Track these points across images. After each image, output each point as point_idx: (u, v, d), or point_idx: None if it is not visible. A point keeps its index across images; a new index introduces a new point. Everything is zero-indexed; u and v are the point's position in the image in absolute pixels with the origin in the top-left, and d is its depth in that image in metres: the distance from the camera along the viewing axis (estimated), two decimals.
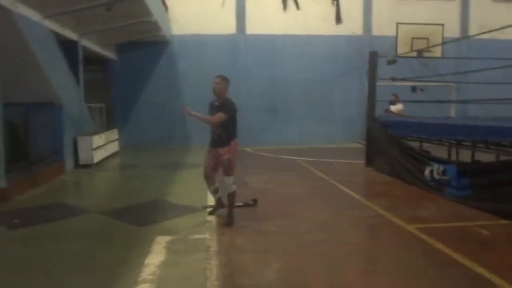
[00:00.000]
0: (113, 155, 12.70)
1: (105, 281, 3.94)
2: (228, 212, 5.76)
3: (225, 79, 5.67)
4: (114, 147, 13.12)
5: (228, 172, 5.66)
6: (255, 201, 6.74)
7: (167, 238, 5.09)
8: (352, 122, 16.02)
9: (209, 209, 6.18)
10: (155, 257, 4.47)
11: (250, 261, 4.42)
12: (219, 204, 6.07)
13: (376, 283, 3.91)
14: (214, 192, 5.98)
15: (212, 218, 5.90)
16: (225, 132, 5.60)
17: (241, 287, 3.82)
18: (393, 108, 12.20)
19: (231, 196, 5.75)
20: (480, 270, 4.07)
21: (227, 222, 5.66)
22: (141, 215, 6.35)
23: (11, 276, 4.10)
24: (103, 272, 4.15)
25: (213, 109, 5.64)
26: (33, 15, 8.55)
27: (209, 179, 5.85)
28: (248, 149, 13.68)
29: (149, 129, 15.25)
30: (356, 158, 11.70)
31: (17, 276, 4.12)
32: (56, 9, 9.09)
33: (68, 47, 10.68)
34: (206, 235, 5.23)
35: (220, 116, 5.51)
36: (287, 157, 12.30)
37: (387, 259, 4.56)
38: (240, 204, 6.46)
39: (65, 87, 10.13)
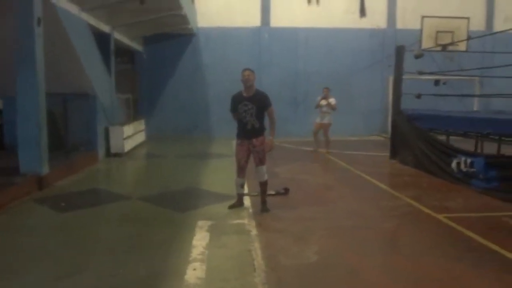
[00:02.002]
0: (140, 145, 13.07)
1: (160, 259, 4.24)
2: (262, 200, 6.04)
3: (253, 71, 5.90)
4: (141, 137, 13.49)
5: (263, 161, 5.92)
6: (286, 190, 7.00)
7: (208, 222, 5.39)
8: (374, 115, 16.18)
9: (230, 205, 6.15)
10: (201, 239, 4.78)
11: (290, 244, 4.69)
12: (240, 200, 6.15)
13: (410, 265, 4.14)
14: (241, 186, 6.11)
15: (248, 205, 6.17)
16: (259, 123, 5.85)
17: (286, 266, 4.09)
18: (326, 101, 11.58)
19: (264, 184, 6.01)
20: None
21: (263, 209, 5.93)
22: (179, 202, 6.66)
23: (75, 255, 4.43)
24: (155, 252, 4.46)
25: (244, 100, 5.79)
26: (72, 8, 8.89)
27: (241, 171, 6.00)
28: None
29: (174, 120, 15.58)
30: (379, 150, 11.89)
31: (80, 254, 4.45)
32: (93, 3, 9.41)
33: (100, 39, 11.00)
34: (245, 221, 5.51)
35: (272, 111, 5.88)
36: (310, 148, 12.48)
37: (420, 244, 4.78)
38: (273, 192, 6.73)
39: (99, 78, 10.48)
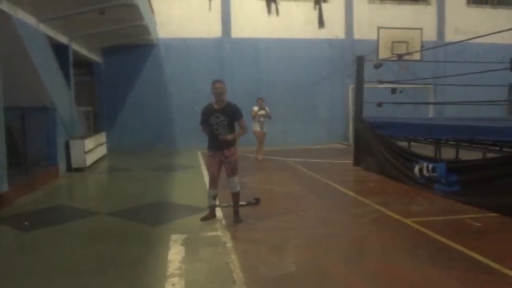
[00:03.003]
0: (102, 158, 12.73)
1: (136, 277, 4.14)
2: (235, 210, 6.02)
3: (223, 82, 5.91)
4: (103, 150, 13.14)
5: (234, 172, 5.91)
6: (257, 199, 7.00)
7: (182, 236, 5.30)
8: (335, 123, 16.53)
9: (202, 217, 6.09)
10: (176, 254, 4.70)
11: (267, 254, 4.69)
12: (212, 212, 6.11)
13: (386, 270, 4.25)
14: (214, 198, 6.07)
15: (220, 217, 6.13)
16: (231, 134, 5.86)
17: (266, 277, 4.09)
18: (263, 110, 12.00)
19: (237, 195, 6.01)
20: (478, 256, 4.49)
21: (236, 220, 5.91)
22: (149, 216, 6.53)
23: (43, 278, 4.23)
24: (131, 269, 4.35)
25: (215, 112, 5.79)
26: (30, 20, 8.59)
27: (214, 182, 5.97)
28: None
29: (136, 132, 15.29)
30: (342, 158, 12.14)
31: (50, 276, 4.27)
32: (51, 14, 9.14)
33: (57, 51, 10.66)
34: (219, 232, 5.47)
35: (244, 122, 5.93)
36: (275, 158, 12.60)
37: (393, 249, 4.91)
38: (244, 203, 6.69)
39: (58, 90, 10.16)
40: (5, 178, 7.16)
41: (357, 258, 4.78)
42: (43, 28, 9.39)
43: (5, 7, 7.42)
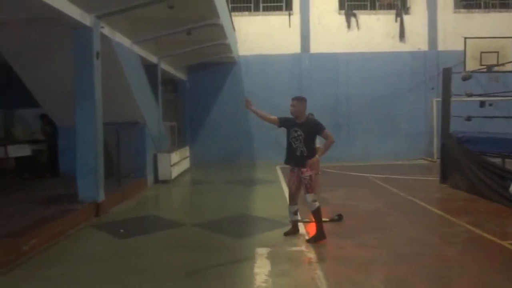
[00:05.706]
0: (186, 172, 13.28)
1: (224, 287, 4.27)
2: (317, 227, 5.97)
3: (301, 100, 5.92)
4: (186, 164, 13.72)
5: (309, 189, 5.81)
6: (340, 216, 6.93)
7: (267, 249, 5.37)
8: (418, 138, 15.87)
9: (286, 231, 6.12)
10: (262, 267, 4.77)
11: (354, 272, 4.62)
12: (295, 227, 6.11)
13: None
14: (294, 213, 6.07)
15: (303, 232, 6.13)
16: (307, 150, 5.83)
17: None
18: None
19: (316, 213, 5.85)
20: None
21: (319, 237, 5.86)
22: (233, 228, 6.71)
23: (139, 282, 4.51)
24: (219, 280, 4.49)
25: (295, 126, 5.84)
26: (125, 42, 9.31)
27: (293, 198, 6.00)
28: None
29: (217, 147, 15.77)
30: (427, 174, 11.66)
31: (144, 281, 4.54)
32: (144, 36, 9.82)
33: (147, 70, 11.39)
34: (303, 248, 5.48)
35: (327, 133, 5.92)
36: (355, 173, 12.37)
37: (488, 272, 4.60)
38: (326, 219, 6.64)
39: (148, 107, 10.83)
40: (102, 188, 7.75)
41: (448, 280, 4.55)
42: (136, 49, 10.11)
43: (106, 31, 8.09)
